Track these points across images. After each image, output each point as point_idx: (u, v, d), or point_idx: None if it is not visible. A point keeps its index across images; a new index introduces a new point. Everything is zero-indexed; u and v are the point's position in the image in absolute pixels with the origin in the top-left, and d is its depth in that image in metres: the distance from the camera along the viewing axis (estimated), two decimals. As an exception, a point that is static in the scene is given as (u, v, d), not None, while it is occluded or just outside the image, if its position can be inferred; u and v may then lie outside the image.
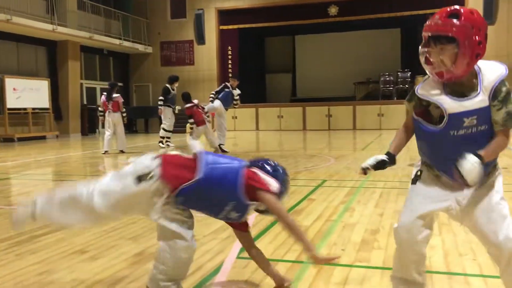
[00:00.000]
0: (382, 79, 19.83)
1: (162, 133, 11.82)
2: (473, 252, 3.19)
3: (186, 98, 9.98)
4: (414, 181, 2.23)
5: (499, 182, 2.14)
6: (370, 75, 21.08)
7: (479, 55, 2.00)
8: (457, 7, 2.02)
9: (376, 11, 19.07)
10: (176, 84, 11.99)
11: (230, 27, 20.57)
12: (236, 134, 17.01)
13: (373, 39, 21.95)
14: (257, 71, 22.80)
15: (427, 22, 2.06)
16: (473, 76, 2.03)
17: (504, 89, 1.99)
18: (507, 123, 2.00)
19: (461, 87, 2.05)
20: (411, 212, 2.15)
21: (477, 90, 2.00)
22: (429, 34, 2.02)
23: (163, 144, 11.67)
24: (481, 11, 17.36)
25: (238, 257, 3.15)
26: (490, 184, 2.12)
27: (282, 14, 19.91)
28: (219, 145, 10.32)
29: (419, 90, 2.11)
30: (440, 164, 2.14)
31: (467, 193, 2.10)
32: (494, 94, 1.98)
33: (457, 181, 2.02)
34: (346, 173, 7.08)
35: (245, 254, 3.21)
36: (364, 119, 18.66)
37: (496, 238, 2.02)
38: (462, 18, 1.96)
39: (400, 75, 19.50)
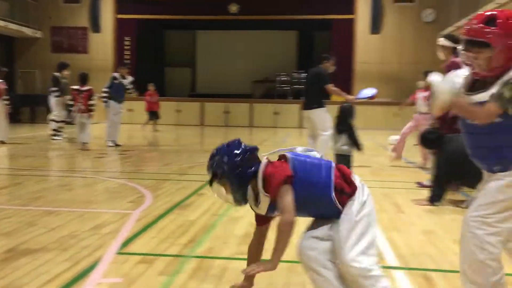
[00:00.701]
0: (278, 78, 20.46)
1: (54, 125, 11.06)
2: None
3: (80, 79, 9.43)
4: None
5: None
6: (267, 75, 21.64)
7: None
8: (495, 12, 2.12)
9: (275, 13, 19.61)
10: (66, 72, 11.25)
11: (128, 16, 19.88)
12: (131, 128, 16.52)
13: (271, 40, 22.56)
14: (156, 64, 22.31)
15: (466, 26, 2.17)
16: (502, 75, 2.11)
17: None
18: (492, 98, 2.07)
19: (484, 83, 2.14)
20: None
21: (492, 86, 2.09)
22: (466, 38, 2.14)
23: (57, 136, 10.91)
24: (368, 22, 18.67)
25: (118, 253, 3.09)
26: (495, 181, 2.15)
27: (183, 8, 19.69)
28: (112, 141, 9.93)
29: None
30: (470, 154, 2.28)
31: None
32: (504, 83, 2.08)
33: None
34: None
35: (125, 250, 3.18)
36: (260, 117, 19.13)
37: None
38: (498, 24, 2.07)
39: (295, 75, 20.26)
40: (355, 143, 5.67)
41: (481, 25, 2.10)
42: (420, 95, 7.95)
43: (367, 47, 18.85)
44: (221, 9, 19.74)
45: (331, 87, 7.38)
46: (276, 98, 20.02)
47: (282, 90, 20.30)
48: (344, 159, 5.69)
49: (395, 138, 11.65)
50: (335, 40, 19.39)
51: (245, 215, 4.18)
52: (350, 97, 7.66)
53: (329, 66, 7.64)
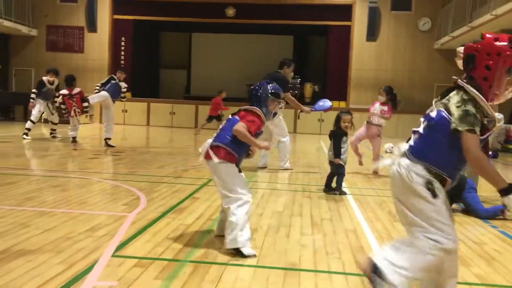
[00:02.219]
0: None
1: (28, 124, 10.99)
2: (339, 251, 3.45)
3: (68, 83, 9.40)
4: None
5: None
6: (262, 78, 21.65)
7: None
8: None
9: (271, 17, 19.66)
10: (53, 78, 10.96)
11: (125, 17, 19.86)
12: (125, 128, 16.48)
13: (267, 44, 22.58)
14: (151, 65, 22.27)
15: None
16: None
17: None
18: None
19: None
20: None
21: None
22: None
23: (27, 136, 10.83)
24: (365, 29, 18.76)
25: (113, 255, 3.08)
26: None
27: (179, 10, 19.69)
28: (105, 139, 9.92)
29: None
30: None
31: None
32: None
33: None
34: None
35: (120, 253, 3.17)
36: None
37: None
38: None
39: (291, 81, 20.28)
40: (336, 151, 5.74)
41: None
42: (378, 108, 7.60)
43: (362, 53, 18.93)
44: (218, 12, 19.75)
45: (288, 95, 7.25)
46: (270, 103, 20.00)
47: (277, 95, 20.32)
48: (332, 166, 5.81)
49: (390, 145, 11.74)
50: (331, 46, 19.47)
51: (240, 220, 4.18)
52: (305, 108, 7.67)
53: (288, 73, 7.52)
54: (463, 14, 14.98)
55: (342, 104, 18.59)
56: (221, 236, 3.46)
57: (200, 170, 7.34)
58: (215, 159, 3.35)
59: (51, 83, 10.94)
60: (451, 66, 18.29)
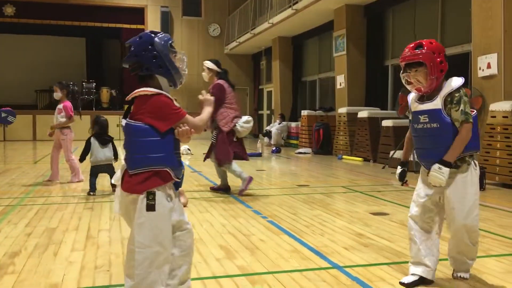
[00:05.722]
0: (66, 88, 19.18)
1: None
2: (110, 263, 3.33)
3: None
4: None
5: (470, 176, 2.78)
6: (53, 83, 20.05)
7: (443, 70, 2.71)
8: (420, 40, 2.74)
9: (59, 18, 18.34)
10: None
11: None
12: None
13: (57, 46, 21.03)
14: None
15: (402, 55, 2.78)
16: (440, 88, 2.74)
17: (457, 94, 2.68)
18: (464, 117, 2.65)
19: (430, 95, 2.76)
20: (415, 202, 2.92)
21: (436, 97, 2.72)
22: (405, 63, 2.75)
23: None
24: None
25: None
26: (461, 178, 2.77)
27: None
28: None
29: (410, 98, 2.91)
30: (417, 155, 2.91)
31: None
32: (450, 99, 2.68)
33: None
34: (7, 189, 6.48)
35: None
36: (46, 129, 17.60)
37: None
38: (425, 47, 2.70)
39: (85, 85, 19.27)
40: (116, 152, 6.16)
41: (413, 50, 2.73)
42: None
43: (158, 57, 19.00)
44: (-6, 10, 17.64)
45: None
46: (64, 109, 18.70)
47: (72, 101, 19.07)
48: (109, 167, 6.10)
49: (186, 147, 12.00)
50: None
51: (4, 244, 3.75)
52: None
53: None
54: (246, 21, 16.18)
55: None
56: None
57: (-34, 190, 6.41)
58: None
59: None
60: (241, 71, 19.65)
